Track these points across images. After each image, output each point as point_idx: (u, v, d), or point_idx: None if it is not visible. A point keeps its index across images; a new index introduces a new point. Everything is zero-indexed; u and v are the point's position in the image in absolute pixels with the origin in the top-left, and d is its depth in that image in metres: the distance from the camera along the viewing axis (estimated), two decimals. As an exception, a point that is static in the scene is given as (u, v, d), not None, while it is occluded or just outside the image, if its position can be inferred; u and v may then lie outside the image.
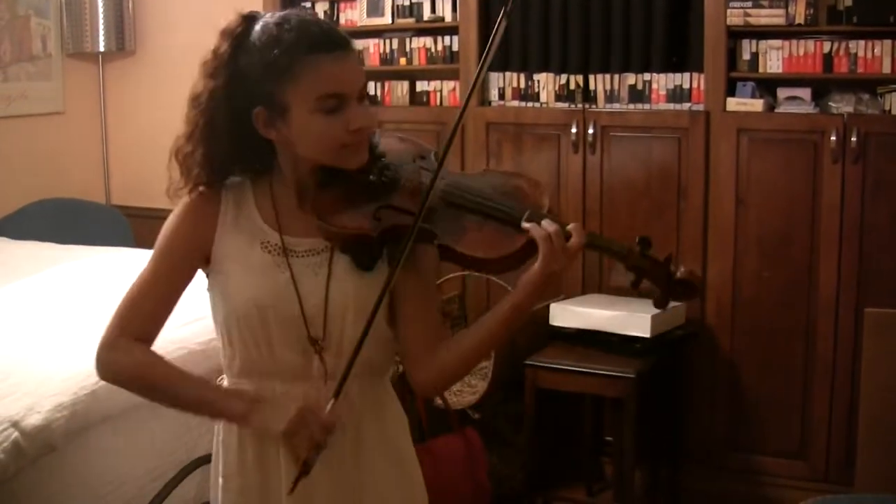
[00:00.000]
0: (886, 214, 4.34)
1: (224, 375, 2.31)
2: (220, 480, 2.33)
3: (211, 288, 2.26)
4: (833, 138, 4.36)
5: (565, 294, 4.74)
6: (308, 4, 5.59)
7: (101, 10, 6.08)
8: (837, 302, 4.45)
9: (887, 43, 4.33)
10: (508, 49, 5.08)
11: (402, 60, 5.38)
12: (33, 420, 3.03)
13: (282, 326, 2.18)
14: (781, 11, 4.47)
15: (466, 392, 4.66)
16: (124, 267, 4.32)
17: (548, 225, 2.05)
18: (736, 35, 4.59)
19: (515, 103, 5.07)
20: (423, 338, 2.22)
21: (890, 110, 4.36)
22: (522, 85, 5.06)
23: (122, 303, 2.23)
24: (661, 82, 4.75)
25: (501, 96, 5.11)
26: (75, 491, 3.17)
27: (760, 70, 4.58)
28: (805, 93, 4.53)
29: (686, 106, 4.71)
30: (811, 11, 4.43)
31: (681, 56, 4.75)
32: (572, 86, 4.93)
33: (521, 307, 2.12)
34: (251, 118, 2.14)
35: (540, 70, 5.00)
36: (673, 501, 4.81)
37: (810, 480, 4.56)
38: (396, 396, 2.39)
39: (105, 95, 6.47)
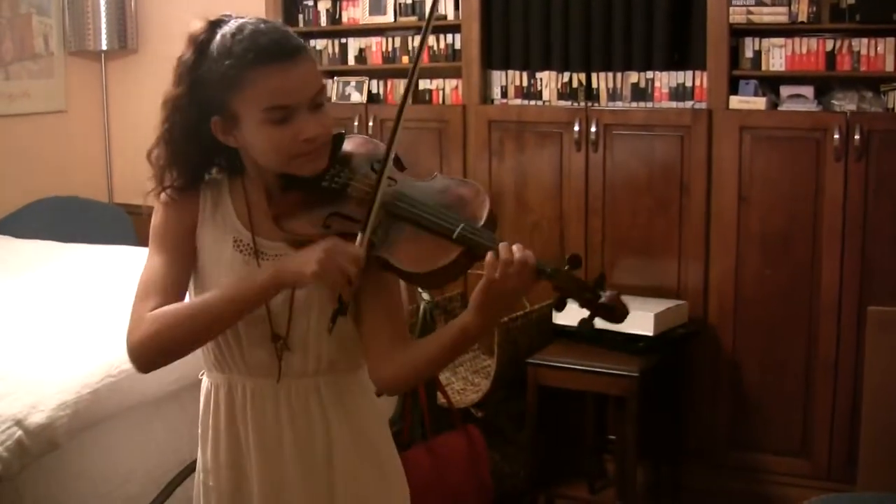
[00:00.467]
0: (889, 212, 4.34)
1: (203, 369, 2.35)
2: (200, 475, 2.38)
3: (192, 282, 2.28)
4: (836, 136, 4.36)
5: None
6: (310, 3, 5.59)
7: (103, 8, 6.08)
8: (840, 300, 4.45)
9: (890, 41, 4.32)
10: (510, 47, 5.08)
11: (405, 59, 5.38)
12: (36, 418, 3.04)
13: (248, 323, 2.20)
14: (784, 9, 4.47)
15: (469, 390, 4.67)
16: (127, 265, 4.32)
17: (502, 247, 1.99)
18: (738, 33, 4.59)
19: (518, 101, 5.07)
20: (388, 335, 2.21)
21: (893, 108, 4.36)
22: (525, 83, 5.06)
23: (135, 298, 2.21)
24: (664, 80, 4.75)
25: (504, 94, 5.11)
26: (79, 489, 3.18)
27: (763, 68, 4.58)
28: (808, 91, 4.52)
29: (688, 104, 4.70)
30: (814, 9, 4.43)
31: (683, 54, 4.75)
32: (575, 84, 4.93)
33: (469, 328, 2.06)
34: (209, 124, 2.17)
35: (542, 68, 5.00)
36: (675, 499, 4.81)
37: (812, 478, 4.56)
38: (371, 392, 2.37)
39: (107, 94, 6.48)
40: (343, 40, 5.55)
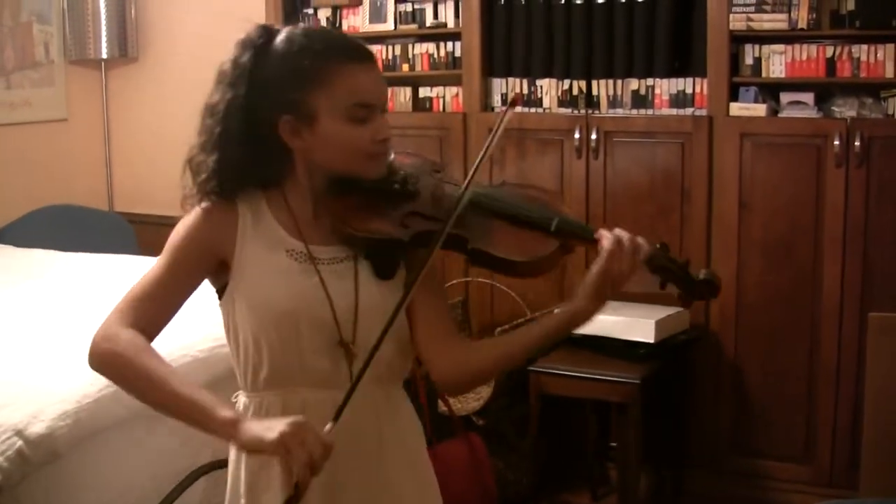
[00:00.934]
0: (890, 218, 4.34)
1: (238, 392, 2.29)
2: (243, 497, 2.28)
3: (229, 301, 2.22)
4: (836, 142, 4.36)
5: (568, 300, 4.73)
6: (310, 11, 5.60)
7: (103, 16, 6.08)
8: (841, 306, 4.45)
9: (890, 47, 4.33)
10: (511, 55, 5.08)
11: (405, 66, 5.38)
12: (37, 428, 3.03)
13: (313, 331, 2.15)
14: (784, 16, 4.47)
15: (471, 398, 4.66)
16: (128, 274, 4.31)
17: (619, 231, 2.09)
18: (739, 40, 4.60)
19: (518, 109, 5.07)
20: (442, 332, 2.24)
21: (893, 114, 4.36)
22: (525, 90, 5.06)
23: (125, 297, 2.16)
24: (664, 87, 4.75)
25: (504, 102, 5.11)
26: (79, 498, 3.17)
27: (763, 75, 4.58)
28: (808, 97, 4.53)
29: (689, 111, 4.70)
30: (814, 16, 4.43)
31: (683, 61, 4.75)
32: (575, 91, 4.93)
33: (578, 313, 2.12)
34: (270, 127, 2.13)
35: (543, 75, 5.00)
36: (677, 506, 4.81)
37: (815, 485, 4.56)
38: (410, 403, 2.38)
39: (108, 102, 6.48)
40: (343, 48, 5.54)
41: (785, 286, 4.54)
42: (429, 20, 5.28)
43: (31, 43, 6.14)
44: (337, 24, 5.53)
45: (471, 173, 2.18)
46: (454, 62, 5.24)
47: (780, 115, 4.57)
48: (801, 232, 4.49)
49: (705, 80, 4.65)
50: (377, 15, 5.40)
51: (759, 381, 4.66)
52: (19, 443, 3.00)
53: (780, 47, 4.53)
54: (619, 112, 4.85)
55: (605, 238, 2.07)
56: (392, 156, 2.25)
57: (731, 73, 4.59)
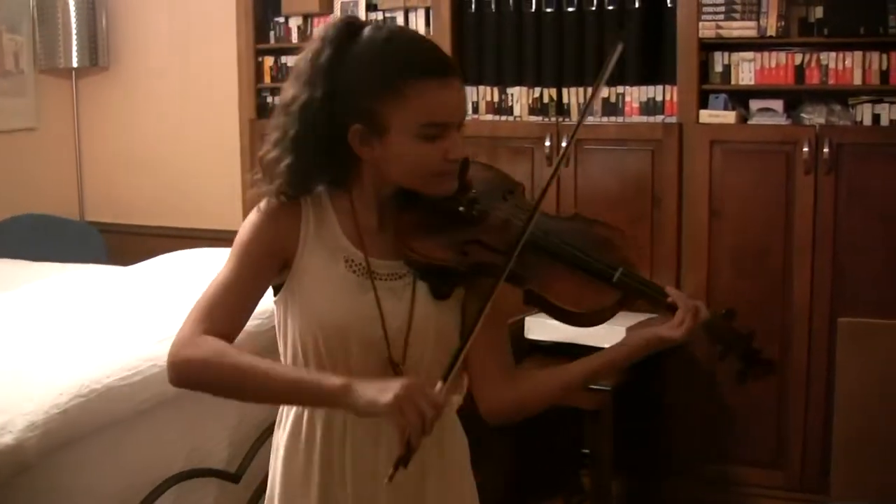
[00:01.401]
0: (859, 224, 4.36)
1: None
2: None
3: (283, 300, 2.18)
4: (805, 149, 4.38)
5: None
6: (281, 20, 5.59)
7: (74, 25, 6.06)
8: (811, 311, 4.47)
9: (858, 54, 4.36)
10: (482, 63, 5.09)
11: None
12: (5, 440, 3.00)
13: (362, 347, 2.12)
14: (753, 24, 4.50)
15: (443, 405, 4.65)
16: (99, 283, 4.31)
17: (687, 299, 2.09)
18: (708, 47, 4.62)
19: (490, 117, 5.08)
20: (498, 366, 2.22)
21: (861, 121, 4.39)
22: (496, 99, 5.07)
23: (200, 303, 2.11)
24: (635, 95, 4.77)
25: (476, 110, 5.11)
26: (51, 509, 3.16)
27: (733, 82, 4.60)
28: (777, 104, 4.55)
29: (659, 118, 4.72)
30: (783, 23, 4.46)
31: (653, 69, 4.77)
32: (546, 99, 4.94)
33: (616, 364, 2.14)
34: (344, 132, 2.07)
35: (514, 84, 5.01)
36: (650, 513, 4.82)
37: (787, 490, 4.58)
38: (458, 423, 2.35)
39: (79, 111, 6.45)
40: (314, 56, 5.54)
41: (755, 292, 4.56)
42: (400, 28, 5.28)
43: (1, 52, 6.10)
44: (308, 32, 5.53)
45: (534, 208, 2.13)
46: (425, 70, 5.23)
47: (749, 122, 4.60)
48: (772, 238, 4.51)
49: (675, 88, 4.67)
50: (348, 23, 5.39)
51: (730, 387, 4.67)
52: (-13, 454, 2.98)
53: (749, 55, 4.55)
54: (590, 120, 4.85)
55: (680, 312, 2.08)
56: (468, 168, 2.18)
57: (700, 80, 4.61)
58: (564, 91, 4.91)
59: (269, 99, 5.69)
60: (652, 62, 4.78)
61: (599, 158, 4.78)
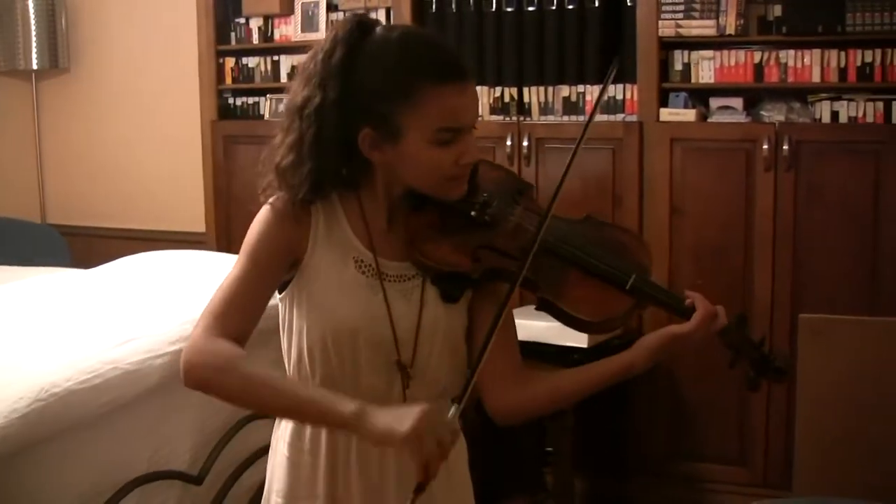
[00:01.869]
0: (819, 221, 4.39)
1: None
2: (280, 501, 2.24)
3: (290, 298, 2.17)
4: (765, 147, 4.41)
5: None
6: (242, 20, 5.58)
7: (33, 27, 6.03)
8: (772, 308, 4.49)
9: (816, 52, 4.38)
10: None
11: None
12: (-35, 445, 2.99)
13: (370, 348, 2.10)
14: (712, 22, 4.52)
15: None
16: (61, 286, 4.28)
17: (707, 302, 2.08)
18: (668, 46, 4.64)
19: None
20: (508, 367, 2.19)
21: (820, 118, 4.42)
22: (457, 98, 5.06)
23: (213, 304, 2.09)
24: (595, 94, 4.78)
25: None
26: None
27: (693, 80, 4.63)
28: (737, 102, 4.58)
29: (620, 117, 4.73)
30: (742, 22, 4.48)
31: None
32: (507, 98, 4.95)
33: (634, 367, 2.11)
34: (355, 134, 2.05)
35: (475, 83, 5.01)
36: (615, 510, 4.83)
37: (750, 486, 4.60)
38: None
39: (39, 113, 6.42)
40: (276, 57, 5.55)
41: (717, 289, 4.55)
42: (361, 28, 5.27)
43: (-40, 54, 6.09)
44: (269, 34, 5.53)
45: (546, 214, 2.10)
46: (386, 70, 5.23)
47: (709, 120, 4.62)
48: (732, 235, 4.53)
49: (635, 87, 4.69)
50: (309, 24, 5.40)
51: (693, 384, 4.69)
52: (-53, 460, 2.96)
53: (708, 53, 4.58)
54: (551, 119, 4.87)
55: (697, 309, 2.07)
56: (478, 169, 2.16)
57: (660, 79, 4.64)
58: (525, 90, 4.92)
59: (231, 100, 5.68)
60: (612, 61, 4.78)
61: (561, 157, 4.79)
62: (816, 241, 4.41)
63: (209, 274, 3.91)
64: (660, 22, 4.58)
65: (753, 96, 4.59)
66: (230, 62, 5.65)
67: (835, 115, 4.40)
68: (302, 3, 5.42)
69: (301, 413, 2.05)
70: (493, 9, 4.92)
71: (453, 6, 5.00)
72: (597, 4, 4.72)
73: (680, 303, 2.11)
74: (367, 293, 2.11)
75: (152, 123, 6.10)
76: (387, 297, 2.12)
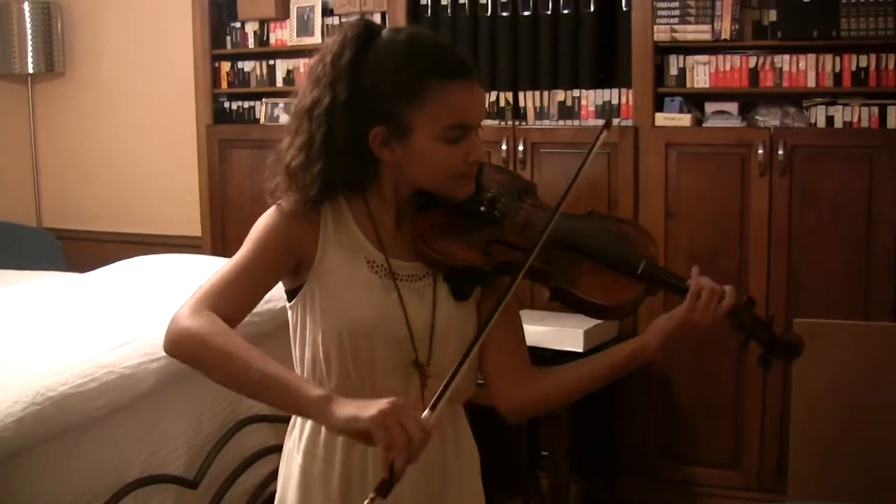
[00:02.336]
0: (813, 225, 4.40)
1: None
2: None
3: (301, 305, 2.17)
4: (760, 151, 4.41)
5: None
6: (238, 25, 5.58)
7: (29, 31, 6.03)
8: (767, 312, 4.48)
9: (811, 57, 4.39)
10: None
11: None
12: (-40, 448, 2.99)
13: (387, 348, 2.11)
14: (707, 27, 4.53)
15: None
16: (56, 290, 4.28)
17: (705, 281, 2.09)
18: (663, 51, 4.65)
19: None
20: (515, 364, 2.21)
21: (815, 123, 4.42)
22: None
23: (208, 283, 2.08)
24: (590, 98, 4.78)
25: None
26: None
27: (688, 85, 4.63)
28: (732, 107, 4.58)
29: (615, 121, 4.74)
30: (737, 27, 4.49)
31: (609, 72, 4.80)
32: (502, 103, 4.95)
33: (646, 351, 2.11)
34: (365, 133, 2.07)
35: (470, 87, 5.01)
36: (609, 514, 4.83)
37: (744, 489, 4.61)
38: (469, 429, 2.35)
39: (35, 117, 6.42)
40: (271, 62, 5.55)
41: (712, 294, 4.57)
42: (356, 33, 5.28)
43: (-44, 58, 6.08)
44: (265, 38, 5.52)
45: (557, 206, 2.14)
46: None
47: (704, 124, 4.63)
48: (727, 240, 4.53)
49: (631, 91, 4.69)
50: (304, 28, 5.40)
51: (687, 387, 4.70)
52: (-58, 463, 2.96)
53: (704, 58, 4.58)
54: (546, 123, 4.87)
55: (693, 287, 2.07)
56: (482, 170, 2.20)
57: (655, 83, 4.64)
58: (521, 95, 4.93)
59: (226, 104, 5.68)
60: (607, 66, 4.80)
61: (555, 161, 4.80)
62: (811, 245, 4.41)
63: (205, 278, 3.91)
64: (655, 27, 4.58)
65: (748, 101, 4.60)
66: (225, 66, 5.65)
67: (829, 119, 4.40)
68: (297, 8, 5.42)
69: (268, 391, 1.96)
70: (489, 13, 4.92)
71: (448, 10, 5.01)
72: (592, 9, 4.72)
73: (681, 283, 2.13)
74: (382, 293, 2.12)
75: (148, 127, 6.10)
76: (401, 297, 2.13)
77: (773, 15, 4.46)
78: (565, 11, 4.77)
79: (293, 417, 2.27)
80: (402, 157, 2.09)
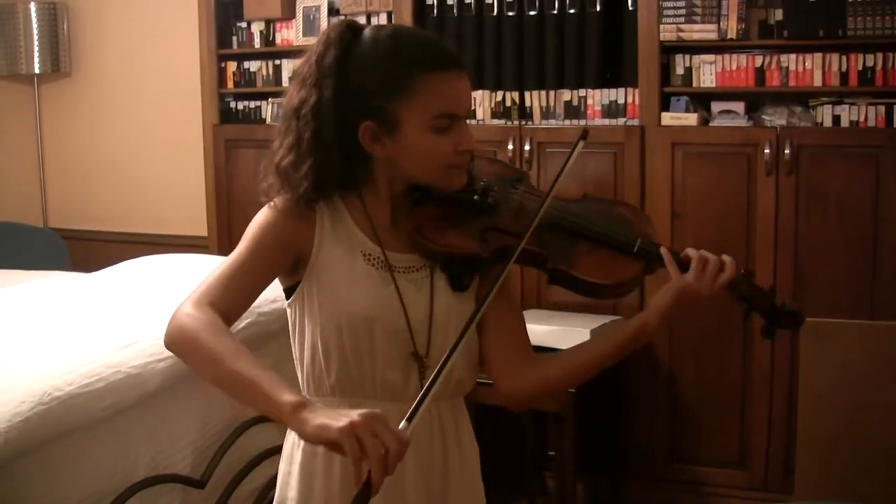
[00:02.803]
0: (820, 225, 4.39)
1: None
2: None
3: (299, 301, 2.18)
4: (766, 151, 4.41)
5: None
6: (244, 24, 5.58)
7: (35, 31, 6.04)
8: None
9: (818, 56, 4.39)
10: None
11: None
12: (-33, 448, 2.99)
13: (387, 340, 2.12)
14: (714, 26, 4.52)
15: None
16: (62, 290, 4.28)
17: (704, 252, 2.10)
18: (669, 50, 4.64)
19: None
20: (517, 350, 2.22)
21: (822, 122, 4.42)
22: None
23: (199, 285, 2.09)
24: (596, 98, 4.78)
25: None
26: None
27: (694, 84, 4.63)
28: (738, 106, 4.58)
29: (621, 121, 4.74)
30: (743, 26, 4.49)
31: (615, 71, 4.80)
32: (508, 102, 4.95)
33: (647, 329, 2.11)
34: (355, 130, 2.09)
35: (476, 87, 5.00)
36: (616, 514, 4.83)
37: (750, 490, 4.61)
38: (471, 425, 2.35)
39: (41, 117, 6.43)
40: (277, 62, 5.55)
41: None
42: (362, 32, 5.28)
43: (-38, 59, 6.09)
44: (271, 38, 5.53)
45: (549, 192, 2.15)
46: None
47: (710, 124, 4.62)
48: (733, 239, 4.53)
49: (637, 91, 4.69)
50: (310, 28, 5.40)
51: (693, 388, 4.69)
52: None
53: (710, 57, 4.58)
54: (552, 123, 4.87)
55: (690, 257, 2.08)
56: (474, 162, 2.22)
57: (662, 83, 4.64)
58: (526, 94, 4.93)
59: (232, 104, 5.68)
60: (613, 65, 4.80)
61: (561, 161, 4.75)
62: (817, 244, 4.41)
63: (211, 278, 3.91)
64: (661, 26, 4.58)
65: (755, 100, 4.60)
66: (231, 66, 5.65)
67: (836, 119, 4.40)
68: (303, 8, 5.42)
69: (244, 392, 1.90)
70: (494, 13, 4.92)
71: (454, 10, 5.01)
72: (598, 8, 4.72)
73: (676, 256, 2.14)
74: (379, 284, 2.14)
75: (154, 127, 6.11)
76: (398, 288, 2.14)
77: (779, 14, 4.46)
78: (571, 11, 4.77)
79: None
80: (392, 151, 2.11)
